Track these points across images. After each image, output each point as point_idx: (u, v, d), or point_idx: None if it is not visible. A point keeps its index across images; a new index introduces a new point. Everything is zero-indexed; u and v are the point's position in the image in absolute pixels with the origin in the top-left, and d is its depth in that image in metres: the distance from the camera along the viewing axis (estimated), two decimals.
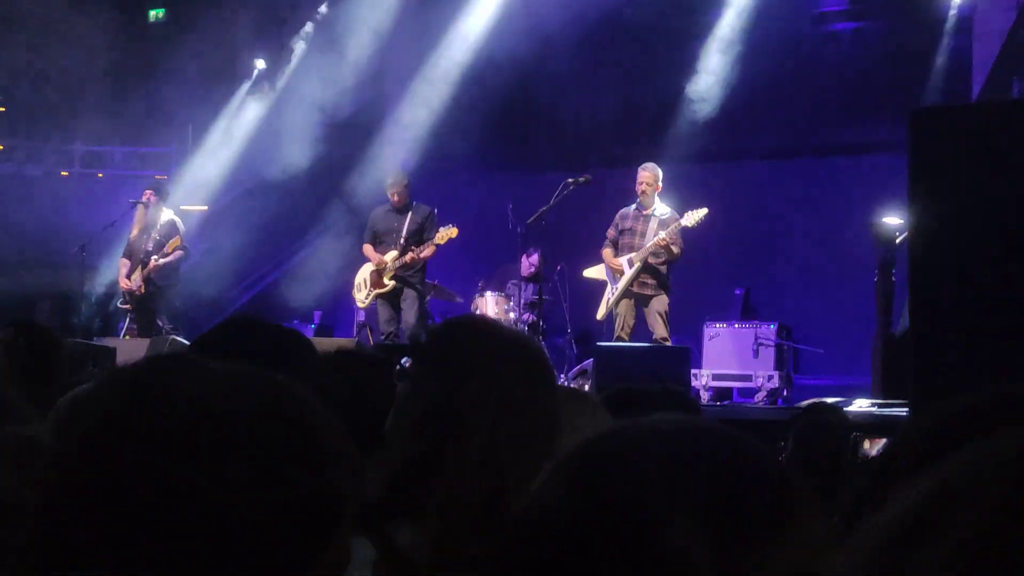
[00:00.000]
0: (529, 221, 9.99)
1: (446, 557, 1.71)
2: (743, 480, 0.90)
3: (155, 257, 10.71)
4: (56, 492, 1.04)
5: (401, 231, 10.30)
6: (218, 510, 1.01)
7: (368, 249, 10.45)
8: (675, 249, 9.42)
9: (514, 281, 11.73)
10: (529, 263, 11.60)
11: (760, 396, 10.29)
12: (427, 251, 10.20)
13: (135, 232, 11.02)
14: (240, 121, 14.83)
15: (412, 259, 10.19)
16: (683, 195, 9.88)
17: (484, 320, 1.97)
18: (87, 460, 1.03)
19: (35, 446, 1.49)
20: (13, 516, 1.31)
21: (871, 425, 6.93)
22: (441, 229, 10.20)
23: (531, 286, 11.43)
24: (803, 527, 0.88)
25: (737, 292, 12.02)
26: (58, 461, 1.06)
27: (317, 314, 13.63)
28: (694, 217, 9.38)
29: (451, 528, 1.73)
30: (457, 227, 10.26)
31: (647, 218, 9.61)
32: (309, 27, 14.57)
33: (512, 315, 11.03)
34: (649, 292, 9.50)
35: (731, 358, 10.60)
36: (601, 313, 9.82)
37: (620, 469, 0.89)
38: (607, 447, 0.93)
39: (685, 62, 13.08)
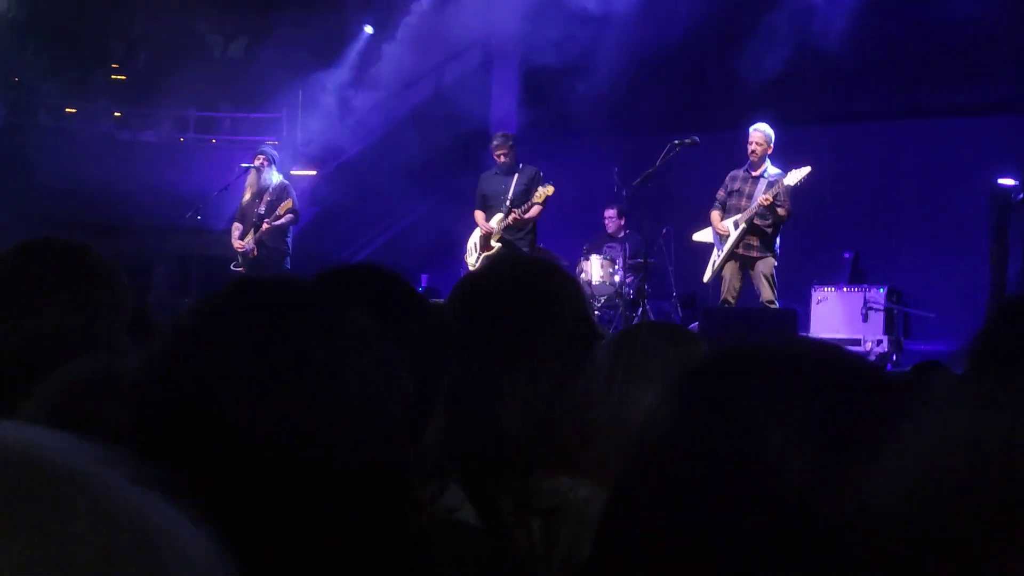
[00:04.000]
0: (634, 184, 9.94)
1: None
2: (845, 392, 0.92)
3: (267, 220, 10.91)
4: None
5: (507, 193, 10.35)
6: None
7: (478, 215, 10.53)
8: (781, 211, 9.28)
9: (610, 244, 11.75)
10: (617, 223, 11.75)
11: None
12: (531, 212, 10.24)
13: (247, 196, 11.23)
14: (348, 86, 14.99)
15: (515, 220, 10.24)
16: (792, 157, 9.72)
17: (507, 260, 2.10)
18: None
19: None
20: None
21: None
22: (539, 188, 10.23)
23: (626, 245, 11.44)
24: (908, 439, 0.88)
25: (846, 255, 11.83)
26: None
27: (424, 277, 13.78)
28: (797, 175, 9.21)
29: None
30: (563, 190, 10.27)
31: (756, 180, 9.49)
32: None
33: (617, 278, 11.04)
34: (755, 254, 9.40)
35: (839, 322, 10.47)
36: (707, 276, 9.76)
37: (725, 385, 0.94)
38: (716, 365, 0.98)
39: (794, 21, 12.83)
